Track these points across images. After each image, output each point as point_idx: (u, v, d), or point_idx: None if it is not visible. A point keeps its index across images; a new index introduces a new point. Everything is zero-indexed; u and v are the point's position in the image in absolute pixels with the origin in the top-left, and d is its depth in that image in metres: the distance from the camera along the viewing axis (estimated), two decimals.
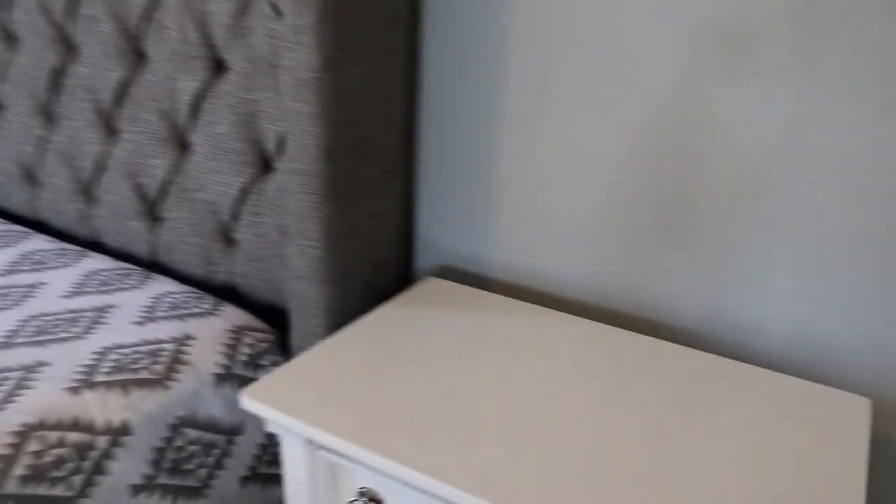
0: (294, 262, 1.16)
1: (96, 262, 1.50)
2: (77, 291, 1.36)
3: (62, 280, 1.41)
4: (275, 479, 1.31)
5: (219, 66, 1.31)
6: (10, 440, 0.96)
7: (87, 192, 1.63)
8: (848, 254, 0.98)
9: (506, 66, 1.17)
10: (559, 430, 0.86)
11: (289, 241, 1.18)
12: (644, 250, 1.14)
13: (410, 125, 1.26)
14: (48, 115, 1.63)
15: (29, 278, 1.42)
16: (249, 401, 0.91)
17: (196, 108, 1.35)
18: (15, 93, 1.67)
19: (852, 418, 0.91)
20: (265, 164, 1.30)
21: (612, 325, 1.19)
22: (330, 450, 0.89)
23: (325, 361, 1.00)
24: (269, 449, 1.29)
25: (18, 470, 0.93)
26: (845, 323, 1.01)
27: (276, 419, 0.89)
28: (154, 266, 1.54)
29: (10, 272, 1.44)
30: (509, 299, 1.22)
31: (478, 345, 1.05)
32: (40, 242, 1.59)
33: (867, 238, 0.96)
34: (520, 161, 1.21)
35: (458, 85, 1.23)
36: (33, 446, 0.97)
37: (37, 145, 1.67)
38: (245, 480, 1.25)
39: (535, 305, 1.20)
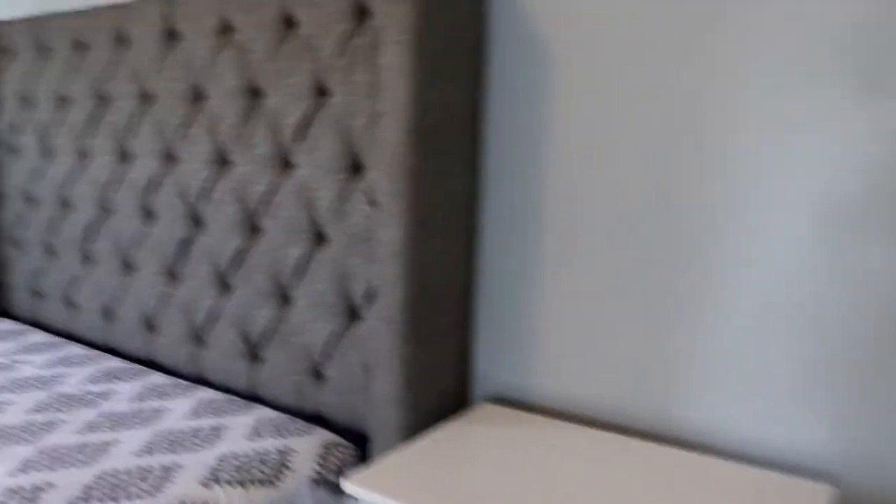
0: (378, 390, 1.49)
1: (207, 393, 1.84)
2: (195, 414, 1.69)
3: (182, 406, 1.75)
4: None
5: (320, 238, 1.70)
6: None
7: (198, 337, 1.99)
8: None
9: (549, 240, 1.54)
10: None
11: (372, 376, 1.51)
12: (650, 376, 1.45)
13: (469, 285, 1.62)
14: (172, 275, 2.02)
15: (155, 404, 1.76)
16: (349, 485, 1.21)
17: (300, 269, 1.73)
18: (146, 257, 2.08)
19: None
20: (354, 314, 1.66)
21: (627, 430, 1.48)
22: None
23: (402, 465, 1.30)
24: None
25: None
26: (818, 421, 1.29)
27: (368, 499, 1.19)
28: (252, 398, 1.86)
29: (139, 399, 1.79)
30: (548, 419, 1.52)
31: (520, 451, 1.35)
32: (159, 378, 1.94)
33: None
34: (554, 312, 1.55)
35: (505, 256, 1.60)
36: None
37: (159, 299, 2.06)
38: None
39: (570, 423, 1.50)
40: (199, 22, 1.84)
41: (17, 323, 2.47)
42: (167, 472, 1.40)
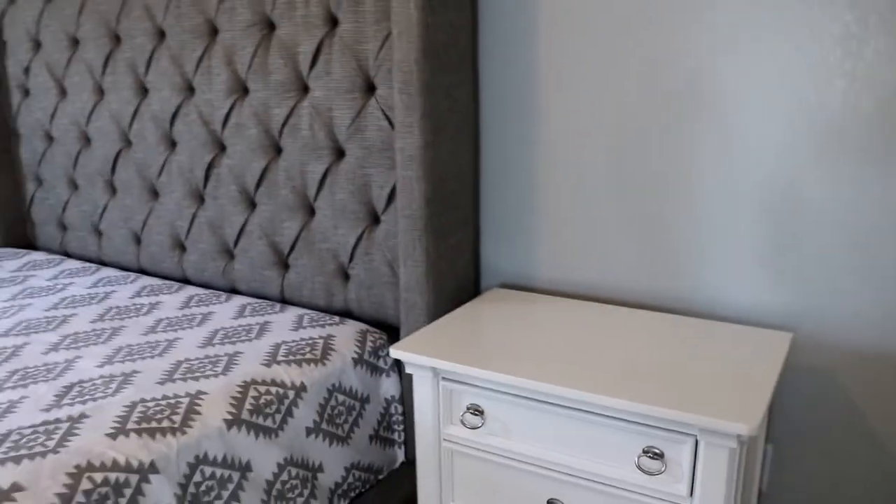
0: (405, 278, 1.74)
1: (244, 299, 2.07)
2: (240, 314, 1.93)
3: (225, 309, 1.98)
4: (390, 442, 1.85)
5: (339, 153, 1.91)
6: (237, 391, 1.52)
7: (228, 252, 2.21)
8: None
9: (542, 142, 1.77)
10: (589, 365, 1.41)
11: (398, 267, 1.75)
12: (638, 255, 1.71)
13: (477, 183, 1.85)
14: (199, 197, 2.23)
15: (201, 309, 1.99)
16: (396, 351, 1.47)
17: (321, 183, 1.94)
18: (171, 183, 2.28)
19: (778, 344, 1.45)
20: (375, 218, 1.88)
21: (620, 305, 1.74)
22: (447, 376, 1.44)
23: (431, 334, 1.56)
24: (386, 418, 1.83)
25: (248, 405, 1.48)
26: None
27: (412, 360, 1.45)
28: (284, 301, 2.10)
29: (186, 307, 2.02)
30: (552, 297, 1.78)
31: (532, 316, 1.61)
32: (197, 290, 2.17)
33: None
34: (551, 208, 1.79)
35: (506, 156, 1.83)
36: (252, 393, 1.52)
37: (188, 221, 2.27)
38: (371, 438, 1.78)
39: (571, 299, 1.76)
40: None
41: (49, 254, 2.67)
42: (231, 358, 1.65)
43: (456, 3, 1.66)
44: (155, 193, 2.34)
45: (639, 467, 1.29)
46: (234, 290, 2.21)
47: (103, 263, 2.56)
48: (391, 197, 1.81)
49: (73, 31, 2.41)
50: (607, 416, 1.29)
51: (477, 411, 1.44)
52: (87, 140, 2.49)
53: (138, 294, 2.14)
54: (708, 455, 1.21)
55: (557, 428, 1.35)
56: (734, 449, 1.18)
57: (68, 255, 2.69)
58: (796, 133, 1.49)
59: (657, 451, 1.27)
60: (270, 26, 1.94)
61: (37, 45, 2.54)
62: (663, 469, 1.27)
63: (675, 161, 1.63)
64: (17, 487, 1.19)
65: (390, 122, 1.75)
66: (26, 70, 2.59)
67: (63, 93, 2.51)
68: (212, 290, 2.16)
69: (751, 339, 1.49)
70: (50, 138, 2.61)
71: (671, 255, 1.67)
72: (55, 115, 2.55)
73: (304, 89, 1.91)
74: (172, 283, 2.25)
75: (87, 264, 2.51)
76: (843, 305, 1.52)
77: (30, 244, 2.82)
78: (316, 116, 1.89)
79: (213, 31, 2.05)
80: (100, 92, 2.40)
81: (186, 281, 2.33)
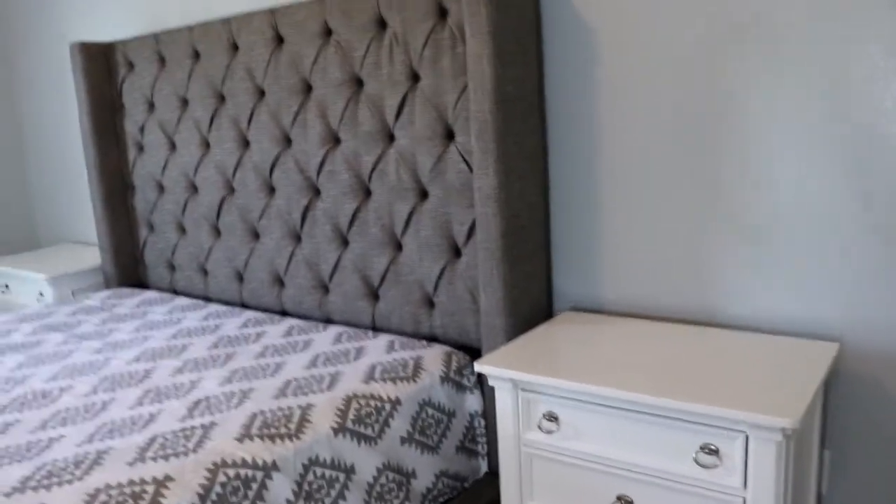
0: (485, 304, 1.95)
1: (339, 328, 2.31)
2: (338, 341, 2.17)
3: (324, 337, 2.22)
4: (474, 453, 2.04)
5: (423, 194, 2.14)
6: (341, 404, 1.74)
7: (323, 286, 2.45)
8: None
9: (603, 179, 1.98)
10: (651, 375, 1.59)
11: (479, 294, 1.97)
12: (694, 277, 1.89)
13: (547, 217, 2.06)
14: (296, 237, 2.49)
15: (302, 337, 2.23)
16: (481, 366, 1.68)
17: (407, 221, 2.18)
18: (270, 225, 2.55)
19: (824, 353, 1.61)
20: (456, 251, 2.10)
21: (677, 322, 1.91)
22: (525, 387, 1.64)
23: (510, 351, 1.76)
24: (470, 431, 2.03)
25: (352, 415, 1.70)
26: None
27: (494, 373, 1.65)
28: (375, 329, 2.33)
29: (288, 335, 2.27)
30: (618, 317, 1.96)
31: (599, 335, 1.80)
32: (296, 321, 2.42)
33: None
34: (613, 238, 1.99)
35: (571, 192, 2.03)
36: (354, 406, 1.74)
37: (286, 259, 2.53)
38: (457, 449, 1.98)
39: (635, 318, 1.94)
40: (302, 27, 2.28)
41: (159, 292, 2.97)
42: (333, 377, 1.88)
43: (524, 59, 1.88)
44: (256, 235, 2.61)
45: (696, 462, 1.46)
46: (328, 321, 2.45)
47: (209, 299, 2.84)
48: (470, 232, 2.02)
49: (182, 92, 2.72)
50: (667, 417, 1.47)
51: (552, 418, 1.63)
52: (194, 189, 2.79)
53: (245, 325, 2.40)
54: (757, 449, 1.37)
55: (623, 430, 1.53)
56: (780, 442, 1.35)
57: (176, 292, 2.98)
58: (834, 151, 1.66)
59: (713, 447, 1.43)
60: (359, 83, 2.19)
61: (151, 106, 2.86)
62: (719, 464, 1.43)
63: (720, 188, 1.81)
64: (169, 478, 1.43)
65: (468, 166, 1.98)
66: (141, 129, 2.91)
67: (173, 147, 2.82)
68: (309, 321, 2.40)
69: (797, 349, 1.65)
70: (161, 188, 2.92)
71: (724, 273, 1.84)
72: (166, 167, 2.85)
73: (391, 138, 2.16)
74: (274, 315, 2.51)
75: (196, 300, 2.80)
76: (890, 315, 1.67)
77: (142, 283, 3.13)
78: (401, 162, 2.13)
79: (308, 89, 2.32)
80: (206, 145, 2.69)
81: (285, 313, 2.58)
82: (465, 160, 1.99)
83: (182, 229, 2.89)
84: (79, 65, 2.92)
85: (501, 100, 1.82)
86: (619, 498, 1.58)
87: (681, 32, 1.79)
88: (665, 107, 1.85)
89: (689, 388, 1.46)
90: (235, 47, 2.49)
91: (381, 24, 2.10)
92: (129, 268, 3.10)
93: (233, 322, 2.45)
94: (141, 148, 2.95)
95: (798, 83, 1.67)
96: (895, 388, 1.68)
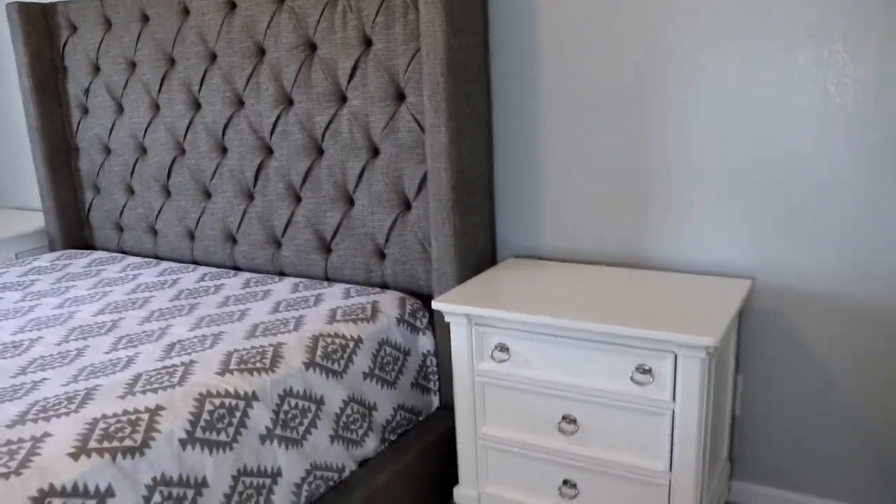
0: (436, 252, 2.12)
1: (295, 279, 2.45)
2: (296, 290, 2.31)
3: (282, 287, 2.36)
4: (427, 390, 2.23)
5: (375, 151, 2.30)
6: (309, 342, 1.90)
7: (276, 241, 2.59)
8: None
9: (542, 138, 2.17)
10: (591, 308, 1.79)
11: (429, 244, 2.14)
12: (625, 226, 2.11)
13: (491, 172, 2.25)
14: (249, 195, 2.61)
15: (261, 288, 2.37)
16: (437, 304, 1.86)
17: (360, 177, 2.33)
18: (222, 184, 2.66)
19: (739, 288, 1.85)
20: (407, 205, 2.27)
21: (612, 266, 2.12)
22: (479, 322, 1.83)
23: (462, 292, 1.94)
24: (423, 369, 2.21)
25: (320, 352, 1.86)
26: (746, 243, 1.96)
27: (451, 309, 1.84)
28: (328, 280, 2.48)
29: (247, 286, 2.40)
30: (558, 262, 2.17)
31: (541, 278, 2.00)
32: (251, 274, 2.54)
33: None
34: (553, 190, 2.19)
35: (514, 149, 2.22)
36: (321, 344, 1.90)
37: (238, 217, 2.65)
38: (412, 385, 2.17)
39: (573, 263, 2.15)
40: None
41: (108, 252, 3.04)
42: (298, 320, 2.03)
43: (472, 27, 2.05)
44: (208, 194, 2.71)
45: (633, 381, 1.68)
46: (281, 274, 2.58)
47: (159, 258, 2.93)
48: (420, 186, 2.19)
49: (130, 55, 2.78)
50: (607, 343, 1.68)
51: (503, 349, 1.83)
52: (143, 150, 2.87)
53: (202, 279, 2.52)
54: (684, 366, 1.60)
55: (568, 356, 1.74)
56: (703, 359, 1.58)
57: (125, 252, 3.06)
58: (756, 104, 1.89)
59: (646, 367, 1.66)
60: (312, 47, 2.32)
61: (96, 68, 2.91)
62: (651, 381, 1.66)
63: (648, 142, 2.02)
64: (160, 407, 1.56)
65: (419, 125, 2.14)
66: (86, 91, 2.96)
67: (121, 109, 2.89)
68: (265, 275, 2.53)
69: (716, 285, 1.89)
70: (108, 150, 2.98)
71: (648, 221, 2.07)
72: (113, 129, 2.91)
73: (343, 99, 2.30)
74: (228, 270, 2.63)
75: (147, 259, 2.88)
76: (798, 257, 1.92)
77: (88, 245, 3.19)
78: (354, 122, 2.27)
79: (261, 53, 2.44)
80: (156, 108, 2.77)
81: (237, 269, 2.70)
82: (415, 120, 2.15)
83: (130, 190, 2.96)
84: (17, 26, 2.94)
85: (453, 64, 1.98)
86: (564, 417, 1.79)
87: (622, 15, 1.99)
88: (601, 73, 2.05)
89: (625, 317, 1.68)
90: (187, 11, 2.58)
91: None
92: (74, 230, 3.15)
93: (189, 277, 2.56)
94: (85, 110, 3.00)
95: (717, 55, 1.89)
96: (800, 320, 1.94)
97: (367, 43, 2.21)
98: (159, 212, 2.87)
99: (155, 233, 2.91)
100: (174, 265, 2.74)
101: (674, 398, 1.64)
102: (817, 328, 1.93)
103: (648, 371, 1.65)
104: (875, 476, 1.95)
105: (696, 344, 1.55)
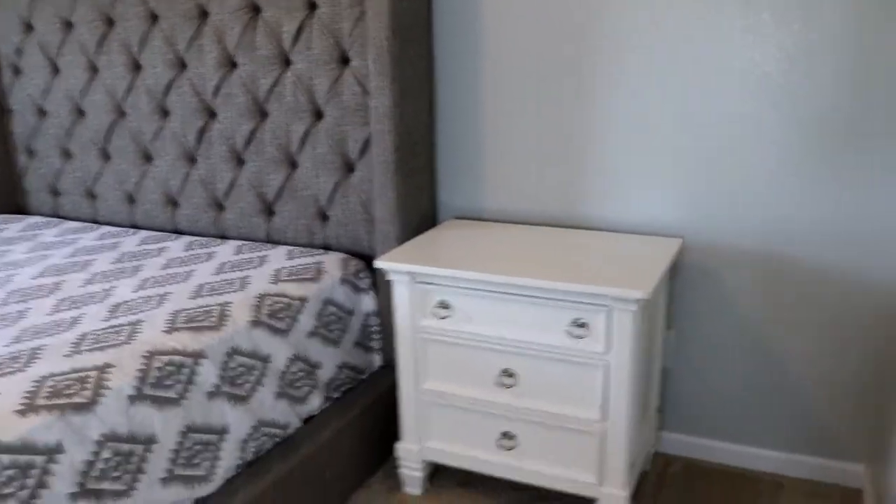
0: (379, 212, 2.17)
1: (238, 241, 2.47)
2: (239, 251, 2.34)
3: (225, 249, 2.38)
4: (369, 349, 2.28)
5: (319, 114, 2.32)
6: (255, 301, 1.93)
7: (218, 204, 2.60)
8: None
9: (483, 103, 2.22)
10: (529, 265, 1.87)
11: (371, 205, 2.18)
12: (562, 188, 2.18)
13: (433, 135, 2.30)
14: (191, 158, 2.61)
15: (204, 251, 2.38)
16: (380, 262, 1.91)
17: (303, 140, 2.35)
18: (164, 147, 2.65)
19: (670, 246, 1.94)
20: (350, 167, 2.31)
21: (548, 226, 2.20)
22: (420, 279, 1.89)
23: (404, 251, 1.99)
24: (366, 329, 2.26)
25: (265, 311, 1.90)
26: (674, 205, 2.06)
27: (393, 268, 1.89)
28: (270, 242, 2.50)
29: (190, 249, 2.41)
30: (492, 222, 2.23)
31: (480, 238, 2.06)
32: (194, 238, 2.55)
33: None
34: (491, 154, 2.25)
35: (455, 113, 2.27)
36: (267, 302, 1.94)
37: (180, 180, 2.65)
38: (355, 344, 2.22)
39: (507, 223, 2.22)
40: None
41: (44, 217, 3.00)
42: (243, 280, 2.06)
43: None
44: (149, 157, 2.70)
45: (569, 334, 1.76)
46: (224, 237, 2.60)
47: (97, 223, 2.91)
48: (364, 149, 2.23)
49: (66, 15, 2.73)
50: (544, 298, 1.75)
51: (445, 306, 1.89)
52: (80, 113, 2.83)
53: (144, 242, 2.52)
54: (618, 319, 1.69)
55: (507, 312, 1.81)
56: (635, 312, 1.66)
57: (61, 217, 3.02)
58: (684, 71, 1.97)
59: (582, 320, 1.74)
60: (256, 10, 2.33)
61: (28, 27, 2.85)
62: (587, 334, 1.74)
63: (584, 106, 2.10)
64: (109, 365, 1.58)
65: (363, 88, 2.17)
66: (18, 51, 2.90)
67: (56, 70, 2.83)
68: (208, 238, 2.54)
69: (649, 243, 1.98)
70: (43, 112, 2.93)
71: (584, 183, 2.15)
72: (49, 91, 2.87)
73: (287, 62, 2.31)
74: (170, 234, 2.63)
75: (85, 224, 2.86)
76: (724, 217, 2.02)
77: (22, 210, 3.14)
78: (298, 84, 2.29)
79: (204, 15, 2.43)
80: (94, 69, 2.73)
81: (179, 232, 2.70)
82: (359, 83, 2.18)
83: (67, 154, 2.92)
84: None
85: (397, 27, 2.02)
86: (503, 371, 1.86)
87: None
88: (540, 41, 2.11)
89: (562, 273, 1.75)
90: None
91: None
92: (5, 195, 3.09)
93: (130, 240, 2.55)
94: (17, 71, 2.94)
95: (651, 21, 1.96)
96: (728, 277, 2.04)
97: (312, 6, 2.22)
98: (98, 175, 2.84)
99: (93, 197, 2.88)
100: (114, 229, 2.72)
101: (607, 350, 1.72)
102: (742, 284, 2.04)
103: (584, 325, 1.73)
104: (794, 422, 2.08)
105: (628, 297, 1.63)
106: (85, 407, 1.46)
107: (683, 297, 2.12)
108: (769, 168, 1.93)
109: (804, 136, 1.88)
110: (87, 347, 1.65)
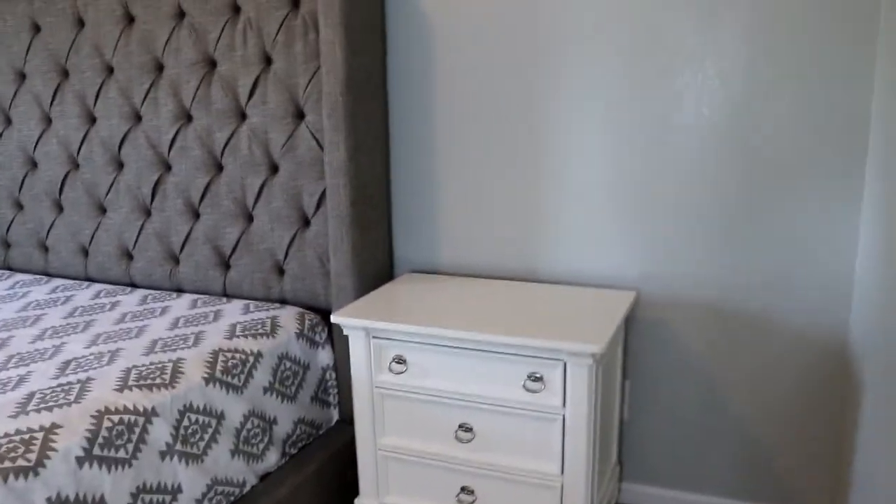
0: (335, 266, 2.17)
1: (193, 295, 2.45)
2: (194, 306, 2.31)
3: (180, 303, 2.36)
4: (326, 403, 2.27)
5: (275, 168, 2.33)
6: (209, 357, 1.91)
7: (174, 257, 2.58)
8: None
9: (438, 157, 2.25)
10: (484, 319, 1.88)
11: (327, 259, 2.18)
12: (516, 241, 2.21)
13: (388, 188, 2.31)
14: (146, 211, 2.59)
15: (159, 304, 2.36)
16: (336, 317, 1.90)
17: (259, 194, 2.35)
18: (118, 199, 2.63)
19: (624, 299, 1.96)
20: (306, 221, 2.31)
21: (504, 280, 2.22)
22: (376, 335, 1.88)
23: (361, 306, 1.99)
24: (323, 383, 2.24)
25: (220, 367, 1.88)
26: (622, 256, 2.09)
27: (349, 323, 1.88)
28: (227, 296, 2.49)
29: (144, 303, 2.38)
30: (448, 276, 2.24)
31: (436, 292, 2.07)
32: (149, 291, 2.53)
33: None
34: (447, 208, 2.27)
35: (410, 166, 2.30)
36: (221, 358, 1.92)
37: (135, 233, 2.62)
38: (312, 399, 2.20)
39: (462, 277, 2.23)
40: (155, 8, 2.39)
41: None
42: (197, 336, 2.03)
43: (371, 48, 2.12)
44: (103, 209, 2.68)
45: (525, 389, 1.76)
46: (180, 290, 2.57)
47: (49, 275, 2.86)
48: (319, 203, 2.23)
49: (20, 66, 2.72)
50: (500, 353, 1.76)
51: (401, 360, 1.89)
52: (33, 164, 2.80)
53: (97, 296, 2.48)
54: (573, 373, 1.70)
55: (463, 366, 1.82)
56: (591, 365, 1.67)
57: (12, 269, 2.97)
58: (633, 127, 2.02)
59: (538, 375, 1.74)
60: (212, 64, 2.34)
61: None
62: (543, 388, 1.75)
63: (538, 163, 2.13)
64: (56, 426, 1.55)
65: (318, 142, 2.19)
66: None
67: (9, 122, 2.81)
68: (163, 291, 2.52)
69: (603, 297, 2.00)
70: None
71: (539, 237, 2.18)
72: (0, 142, 2.83)
73: (243, 116, 2.32)
74: (125, 287, 2.59)
75: (36, 276, 2.81)
76: (677, 269, 2.05)
77: None
78: (254, 138, 2.30)
79: (160, 68, 2.43)
80: (47, 120, 2.72)
81: (134, 285, 2.67)
82: (314, 137, 2.20)
83: (19, 205, 2.88)
84: None
85: (351, 83, 2.04)
86: (461, 426, 1.86)
87: (512, 36, 2.09)
88: (492, 93, 2.15)
89: (517, 327, 1.77)
90: (82, 23, 2.54)
91: (236, 9, 2.26)
92: None
93: (83, 294, 2.52)
94: None
95: (603, 75, 2.01)
96: (681, 328, 2.07)
97: (268, 61, 2.24)
98: (51, 227, 2.80)
99: (46, 249, 2.84)
100: (67, 282, 2.68)
101: (564, 404, 1.73)
102: (695, 334, 2.07)
103: (540, 379, 1.73)
104: (749, 470, 2.10)
105: (584, 351, 1.65)
106: (29, 470, 1.42)
107: (639, 349, 2.14)
108: (717, 219, 1.98)
109: (751, 188, 1.93)
110: (34, 407, 1.61)
